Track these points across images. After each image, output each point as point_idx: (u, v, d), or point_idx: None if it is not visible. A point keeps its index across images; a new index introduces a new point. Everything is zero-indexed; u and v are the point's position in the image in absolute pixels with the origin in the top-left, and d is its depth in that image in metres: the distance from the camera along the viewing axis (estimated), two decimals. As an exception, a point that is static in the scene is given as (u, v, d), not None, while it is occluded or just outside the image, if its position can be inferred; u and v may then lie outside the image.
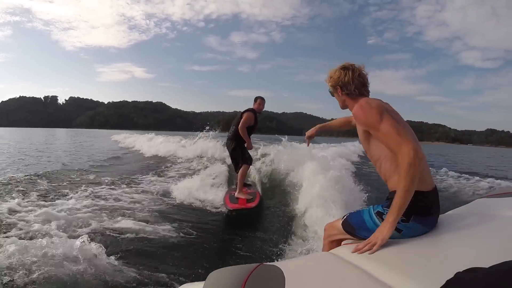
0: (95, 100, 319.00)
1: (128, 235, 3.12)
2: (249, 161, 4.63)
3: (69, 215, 3.47)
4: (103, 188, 5.11)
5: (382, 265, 1.01)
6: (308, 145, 2.33)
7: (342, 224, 1.48)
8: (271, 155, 7.32)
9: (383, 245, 1.15)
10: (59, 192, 4.77)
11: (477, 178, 8.36)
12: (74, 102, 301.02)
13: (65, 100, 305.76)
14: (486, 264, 0.60)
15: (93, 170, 7.48)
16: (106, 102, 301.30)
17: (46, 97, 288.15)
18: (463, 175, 8.96)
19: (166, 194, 5.03)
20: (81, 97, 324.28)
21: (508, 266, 0.54)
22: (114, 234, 3.12)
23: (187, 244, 3.10)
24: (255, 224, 3.90)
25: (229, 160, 5.58)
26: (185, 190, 5.09)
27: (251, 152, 4.81)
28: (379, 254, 1.11)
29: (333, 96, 1.60)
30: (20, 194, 4.31)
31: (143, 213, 3.87)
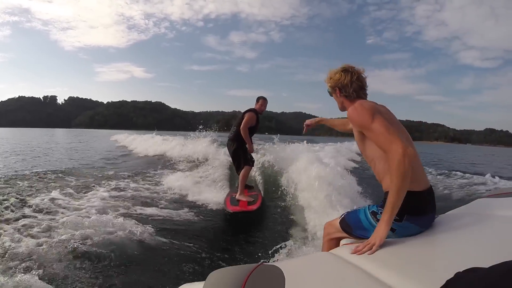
0: (94, 100, 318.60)
1: (126, 235, 3.11)
2: (251, 162, 4.55)
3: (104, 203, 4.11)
4: (121, 181, 5.79)
5: (382, 265, 1.01)
6: (304, 131, 2.29)
7: (339, 222, 1.52)
8: (266, 155, 7.33)
9: (383, 246, 1.16)
10: (89, 184, 5.39)
11: (476, 177, 8.37)
12: (73, 102, 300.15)
13: (64, 100, 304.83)
14: (486, 264, 0.60)
15: (109, 167, 8.31)
16: (105, 102, 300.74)
17: (45, 97, 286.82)
18: (458, 173, 9.01)
19: (166, 194, 5.02)
20: (80, 97, 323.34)
21: (508, 266, 0.54)
22: (113, 234, 3.11)
23: (187, 244, 3.10)
24: (255, 224, 3.89)
25: (230, 161, 5.54)
26: (185, 190, 5.09)
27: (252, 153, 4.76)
28: (379, 254, 1.12)
29: (332, 96, 1.63)
30: (57, 187, 4.91)
31: (143, 213, 3.86)
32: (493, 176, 7.59)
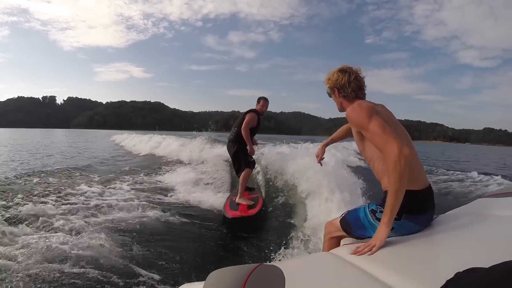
0: (94, 100, 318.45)
1: (127, 235, 3.11)
2: (252, 164, 4.44)
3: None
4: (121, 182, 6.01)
5: (382, 265, 1.01)
6: (321, 165, 2.28)
7: (340, 221, 1.53)
8: (267, 155, 7.32)
9: (383, 246, 1.16)
10: (112, 179, 6.07)
11: (475, 176, 8.40)
12: (72, 102, 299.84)
13: (63, 100, 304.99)
14: (486, 264, 0.59)
15: (106, 167, 8.57)
16: (104, 102, 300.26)
17: (44, 97, 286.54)
18: (456, 172, 9.09)
19: (167, 194, 5.02)
20: (79, 97, 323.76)
21: (508, 266, 0.54)
22: (114, 234, 3.11)
23: (187, 244, 3.10)
24: (255, 224, 3.88)
25: (230, 162, 5.51)
26: (186, 191, 5.08)
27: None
28: (379, 254, 1.12)
29: (331, 97, 1.63)
30: (83, 180, 5.78)
31: (143, 213, 3.85)
32: (469, 171, 7.98)
